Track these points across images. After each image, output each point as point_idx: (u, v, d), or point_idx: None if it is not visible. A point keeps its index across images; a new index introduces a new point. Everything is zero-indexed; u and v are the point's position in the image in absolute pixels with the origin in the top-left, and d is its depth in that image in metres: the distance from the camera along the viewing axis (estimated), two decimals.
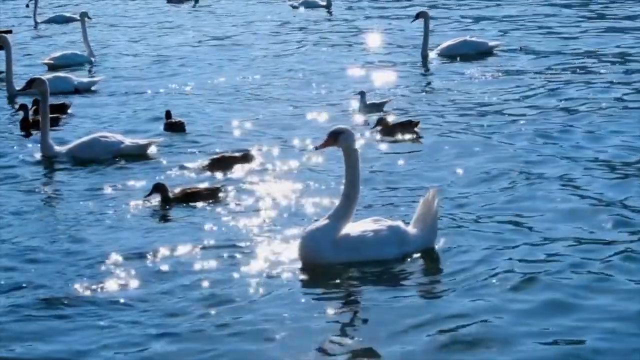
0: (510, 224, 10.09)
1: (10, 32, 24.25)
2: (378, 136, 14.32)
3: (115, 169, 13.13)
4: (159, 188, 11.29)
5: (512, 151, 13.16)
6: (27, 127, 15.20)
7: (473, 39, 22.00)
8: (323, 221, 9.21)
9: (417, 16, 21.66)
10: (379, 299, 8.39)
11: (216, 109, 16.88)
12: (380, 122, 14.46)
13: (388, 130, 14.32)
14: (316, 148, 9.69)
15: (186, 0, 36.63)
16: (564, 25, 25.46)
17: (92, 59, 22.70)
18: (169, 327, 7.89)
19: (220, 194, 11.42)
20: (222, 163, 12.68)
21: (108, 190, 12.00)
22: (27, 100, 16.23)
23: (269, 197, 11.38)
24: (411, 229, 9.34)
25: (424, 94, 17.74)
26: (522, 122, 14.86)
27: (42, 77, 14.21)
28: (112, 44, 25.90)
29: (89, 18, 23.63)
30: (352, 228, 9.23)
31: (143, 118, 16.40)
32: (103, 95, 18.67)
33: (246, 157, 12.79)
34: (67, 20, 31.29)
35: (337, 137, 9.12)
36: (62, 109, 16.49)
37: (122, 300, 8.44)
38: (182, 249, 9.63)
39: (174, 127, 15.00)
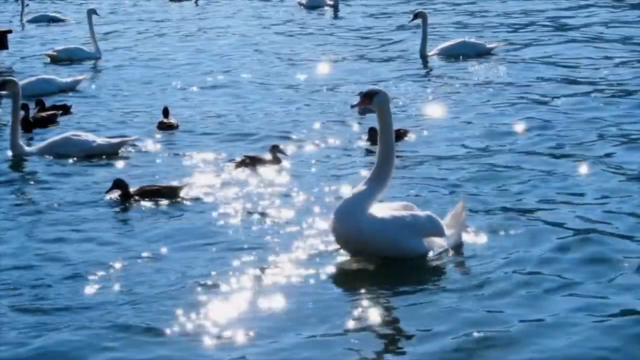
0: (526, 223, 9.90)
1: (10, 32, 24.30)
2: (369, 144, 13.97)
3: (85, 167, 13.03)
4: (118, 184, 11.16)
5: (514, 151, 13.01)
6: (28, 126, 15.10)
7: (472, 40, 21.98)
8: (360, 188, 9.05)
9: (416, 16, 21.59)
10: (404, 299, 8.22)
11: (215, 109, 16.75)
12: (372, 133, 14.01)
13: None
14: (352, 106, 9.75)
15: None
16: (565, 24, 25.34)
17: (99, 56, 22.77)
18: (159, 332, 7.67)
19: (181, 193, 11.24)
20: (254, 162, 12.58)
21: (75, 188, 11.90)
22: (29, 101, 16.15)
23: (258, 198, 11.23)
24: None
25: (422, 94, 17.54)
26: (522, 121, 14.72)
27: (15, 79, 14.13)
28: (113, 42, 25.77)
29: (96, 15, 23.72)
30: (392, 210, 9.14)
31: (141, 117, 16.29)
32: (105, 93, 18.64)
33: (275, 159, 12.66)
34: (51, 19, 31.37)
35: (372, 98, 9.09)
36: (64, 110, 16.43)
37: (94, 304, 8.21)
38: (157, 248, 9.53)
39: (166, 128, 14.97)
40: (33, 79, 18.38)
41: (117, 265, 9.06)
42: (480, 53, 21.18)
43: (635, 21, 25.59)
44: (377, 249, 8.91)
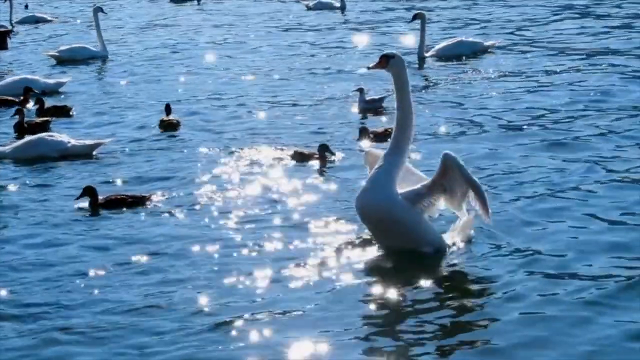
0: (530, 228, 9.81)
1: (10, 32, 24.39)
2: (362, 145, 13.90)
3: (58, 169, 12.97)
4: (88, 191, 11.12)
5: (512, 151, 12.95)
6: (21, 131, 15.05)
7: (469, 39, 21.91)
8: (382, 163, 9.05)
9: (415, 17, 21.56)
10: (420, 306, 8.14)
11: (215, 110, 16.77)
12: (362, 132, 14.16)
13: (369, 140, 14.04)
14: (368, 68, 9.75)
15: None
16: (561, 24, 25.29)
17: (105, 54, 22.78)
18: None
19: (147, 202, 11.16)
20: (302, 157, 12.66)
21: (46, 190, 11.87)
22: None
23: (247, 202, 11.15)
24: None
25: (420, 94, 17.39)
26: (519, 121, 14.69)
27: None
28: (113, 43, 25.60)
29: (103, 13, 23.73)
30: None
31: (142, 115, 16.31)
32: (107, 93, 18.68)
33: (323, 158, 12.71)
34: (38, 20, 31.31)
35: (388, 61, 9.10)
36: (64, 111, 16.47)
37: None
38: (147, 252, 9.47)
39: (168, 126, 15.08)
40: (16, 77, 18.45)
41: (101, 272, 9.01)
42: (478, 51, 21.16)
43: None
44: (399, 226, 8.91)
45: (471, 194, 8.93)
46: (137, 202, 11.10)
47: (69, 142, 13.46)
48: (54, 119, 15.95)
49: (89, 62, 22.37)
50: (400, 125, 9.13)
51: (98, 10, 23.14)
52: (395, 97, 9.22)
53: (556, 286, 8.24)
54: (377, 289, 8.43)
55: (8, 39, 23.56)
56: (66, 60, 22.27)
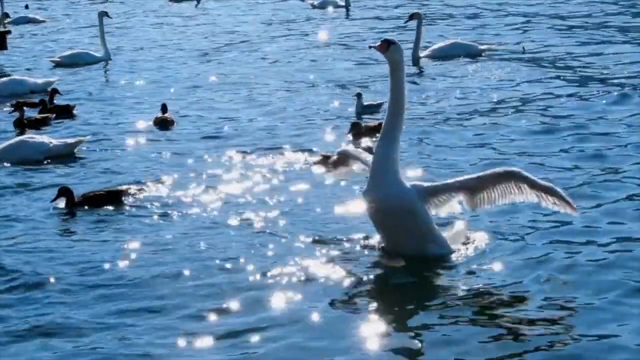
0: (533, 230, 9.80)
1: (9, 32, 24.49)
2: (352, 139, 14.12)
3: (42, 170, 12.99)
4: (63, 192, 11.14)
5: (506, 152, 12.96)
6: (21, 127, 15.23)
7: (464, 41, 21.91)
8: (380, 156, 9.03)
9: (411, 17, 21.51)
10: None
11: (215, 109, 16.87)
12: (355, 127, 14.33)
13: (360, 135, 14.21)
14: (369, 46, 9.74)
15: None
16: (560, 26, 25.23)
17: (107, 58, 22.71)
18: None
19: (124, 198, 11.18)
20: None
21: (27, 193, 11.90)
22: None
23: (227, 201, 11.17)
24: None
25: (415, 95, 17.37)
26: (511, 124, 14.68)
27: None
28: (113, 43, 25.63)
29: (108, 17, 23.62)
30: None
31: (140, 115, 16.39)
32: (108, 94, 18.79)
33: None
34: (30, 21, 31.33)
35: (388, 46, 9.14)
36: (66, 110, 16.61)
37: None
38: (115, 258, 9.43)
39: (161, 123, 15.23)
40: (5, 79, 18.59)
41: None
42: (472, 54, 21.14)
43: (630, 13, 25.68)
44: (411, 218, 8.91)
45: (548, 198, 8.87)
46: (114, 197, 11.08)
47: (50, 143, 13.55)
48: (53, 115, 16.07)
49: (92, 66, 22.27)
50: (392, 112, 9.12)
51: (103, 14, 22.99)
52: (390, 84, 9.20)
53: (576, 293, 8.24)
54: (386, 299, 8.42)
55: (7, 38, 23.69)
56: (68, 66, 22.09)
